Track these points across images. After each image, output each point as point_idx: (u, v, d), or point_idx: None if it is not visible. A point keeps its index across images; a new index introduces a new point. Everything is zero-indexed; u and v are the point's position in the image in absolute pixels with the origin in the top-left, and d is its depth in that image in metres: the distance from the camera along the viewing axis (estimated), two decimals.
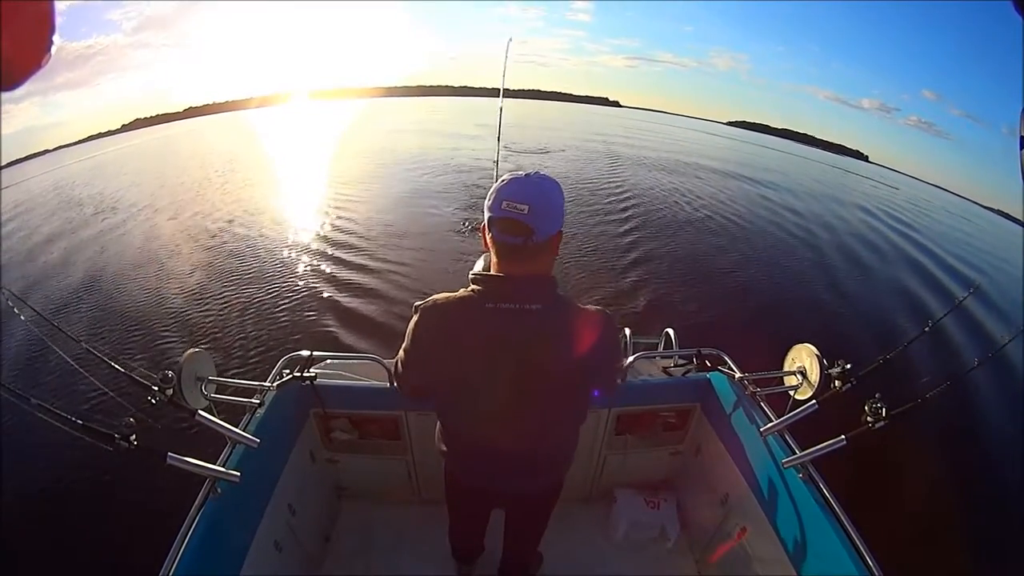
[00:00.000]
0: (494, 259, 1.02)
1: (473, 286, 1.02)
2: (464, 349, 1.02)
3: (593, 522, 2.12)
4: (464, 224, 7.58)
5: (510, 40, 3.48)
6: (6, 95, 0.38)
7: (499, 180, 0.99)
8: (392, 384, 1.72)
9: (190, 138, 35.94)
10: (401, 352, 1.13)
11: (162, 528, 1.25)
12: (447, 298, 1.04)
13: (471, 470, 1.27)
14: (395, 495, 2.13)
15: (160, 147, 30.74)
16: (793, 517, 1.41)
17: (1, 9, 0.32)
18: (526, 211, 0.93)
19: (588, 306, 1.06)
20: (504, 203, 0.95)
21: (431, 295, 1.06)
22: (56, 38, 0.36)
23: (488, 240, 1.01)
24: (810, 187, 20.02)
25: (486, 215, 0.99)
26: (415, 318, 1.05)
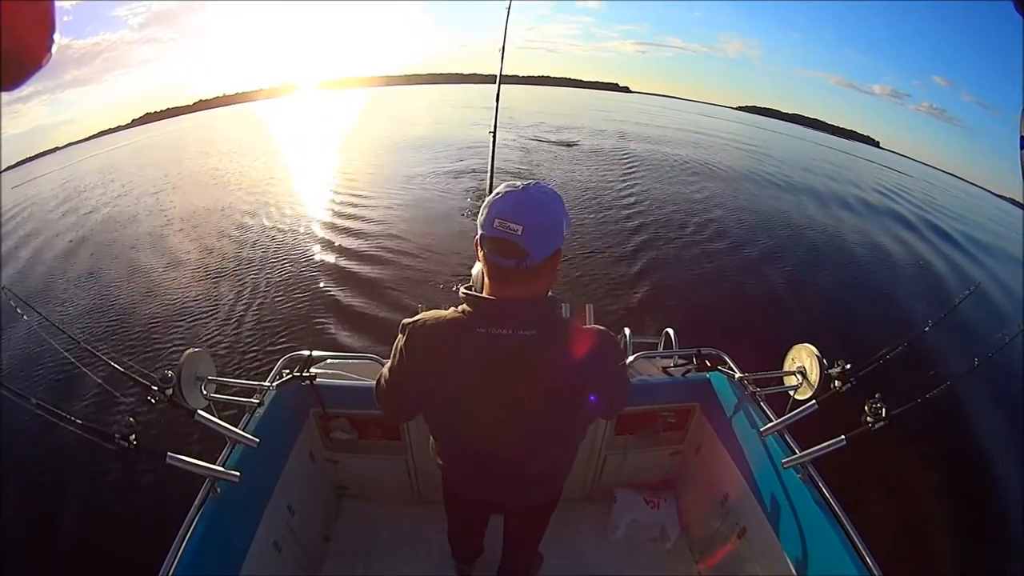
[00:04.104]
0: (486, 280, 0.94)
1: (464, 306, 0.95)
2: (453, 373, 0.96)
3: (593, 522, 2.12)
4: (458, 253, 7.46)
5: (509, 4, 2.80)
6: (12, 95, 0.38)
7: (493, 192, 0.90)
8: None
9: (199, 132, 35.96)
10: (385, 370, 1.07)
11: (162, 528, 1.26)
12: (437, 318, 0.97)
13: (468, 483, 1.27)
14: (395, 495, 2.13)
15: (168, 142, 30.68)
16: (793, 517, 1.41)
17: (1, 8, 0.32)
18: (520, 232, 0.84)
19: (590, 326, 0.99)
20: (496, 221, 0.85)
21: (419, 313, 1.01)
22: (57, 36, 0.36)
23: (480, 256, 0.93)
24: (816, 177, 19.62)
25: (478, 231, 0.91)
26: (401, 338, 0.99)
